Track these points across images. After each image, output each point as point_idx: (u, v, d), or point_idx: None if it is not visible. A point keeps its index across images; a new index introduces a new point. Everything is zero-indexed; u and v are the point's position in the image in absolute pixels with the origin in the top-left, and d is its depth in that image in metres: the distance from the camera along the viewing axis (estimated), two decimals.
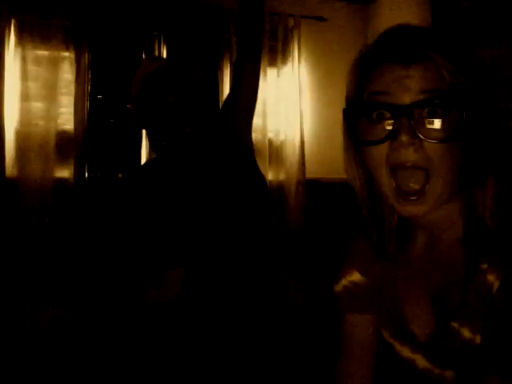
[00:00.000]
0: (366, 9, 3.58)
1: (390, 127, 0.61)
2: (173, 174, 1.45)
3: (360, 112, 0.65)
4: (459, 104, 0.60)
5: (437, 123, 0.60)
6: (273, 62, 3.31)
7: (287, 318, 1.41)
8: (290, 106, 3.30)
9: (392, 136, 0.60)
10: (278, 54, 3.33)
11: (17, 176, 2.78)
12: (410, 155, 0.60)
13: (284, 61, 3.35)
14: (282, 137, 3.30)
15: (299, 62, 3.37)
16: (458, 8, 2.52)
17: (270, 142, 3.28)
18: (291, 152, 3.29)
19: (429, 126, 0.60)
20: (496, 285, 0.58)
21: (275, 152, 3.28)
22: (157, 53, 3.15)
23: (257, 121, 3.20)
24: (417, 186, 0.61)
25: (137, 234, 1.49)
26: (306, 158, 3.32)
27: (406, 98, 0.60)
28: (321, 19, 3.42)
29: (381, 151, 0.62)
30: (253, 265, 1.40)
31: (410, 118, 0.59)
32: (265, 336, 1.36)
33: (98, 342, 1.85)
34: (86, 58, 2.95)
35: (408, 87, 0.61)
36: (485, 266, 0.60)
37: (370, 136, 0.63)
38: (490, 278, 0.59)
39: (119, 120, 3.22)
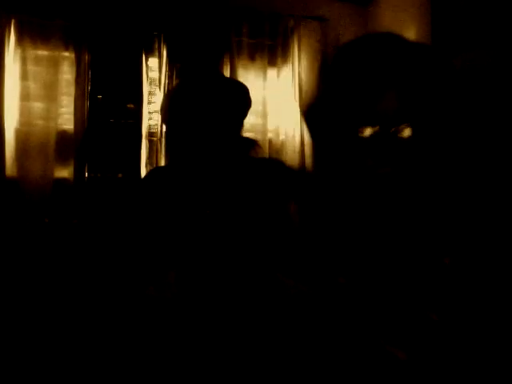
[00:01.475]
0: (366, 9, 3.58)
1: (367, 137, 0.67)
2: (184, 182, 1.45)
3: (339, 126, 0.71)
4: (425, 120, 0.66)
5: (408, 137, 0.66)
6: (273, 62, 3.32)
7: (285, 317, 1.41)
8: (290, 106, 3.30)
9: (370, 147, 0.66)
10: (278, 53, 3.33)
11: (17, 176, 2.79)
12: (386, 164, 0.66)
13: (284, 61, 3.35)
14: (282, 137, 3.31)
15: (299, 61, 3.37)
16: (458, 8, 2.52)
17: (270, 142, 3.28)
18: (291, 152, 3.29)
19: (401, 140, 0.66)
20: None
21: (275, 152, 3.28)
22: (157, 53, 3.15)
23: (257, 121, 3.21)
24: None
25: (140, 234, 1.49)
26: (306, 158, 3.32)
27: (381, 117, 0.66)
28: (321, 19, 3.43)
29: (361, 162, 0.68)
30: (249, 267, 1.40)
31: (385, 133, 0.65)
32: (263, 336, 1.36)
33: (97, 341, 1.85)
34: (85, 58, 2.95)
35: (381, 106, 0.66)
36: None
37: (351, 149, 0.69)
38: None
39: (119, 120, 3.22)
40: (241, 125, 1.52)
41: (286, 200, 1.49)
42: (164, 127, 3.10)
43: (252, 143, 1.55)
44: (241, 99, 1.49)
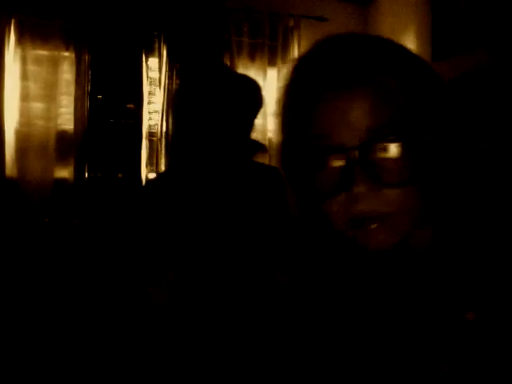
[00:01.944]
0: (366, 9, 3.58)
1: (340, 174, 0.51)
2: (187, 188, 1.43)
3: (302, 158, 0.54)
4: (417, 136, 0.50)
5: (394, 162, 0.50)
6: (273, 62, 3.32)
7: (286, 318, 1.41)
8: None
9: (345, 186, 0.50)
10: (278, 53, 3.33)
11: (17, 176, 2.79)
12: (369, 205, 0.50)
13: (284, 61, 3.35)
14: None
15: None
16: (458, 8, 2.52)
17: (270, 142, 3.27)
18: None
19: (386, 167, 0.50)
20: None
21: (275, 152, 3.27)
22: (157, 53, 3.15)
23: (257, 121, 3.20)
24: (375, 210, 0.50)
25: (141, 234, 1.49)
26: None
27: (354, 139, 0.49)
28: (321, 19, 3.42)
29: (335, 202, 0.52)
30: (250, 267, 1.40)
31: (363, 161, 0.49)
32: (262, 337, 1.35)
33: (96, 341, 1.85)
34: (86, 58, 2.95)
35: (353, 124, 0.50)
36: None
37: (318, 185, 0.53)
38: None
39: (119, 120, 3.22)
40: (251, 125, 1.46)
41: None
42: (165, 127, 3.11)
43: (260, 146, 1.51)
44: (252, 97, 1.43)
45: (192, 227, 1.39)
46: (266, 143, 3.22)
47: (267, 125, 3.23)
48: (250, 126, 1.44)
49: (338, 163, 0.51)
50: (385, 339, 0.57)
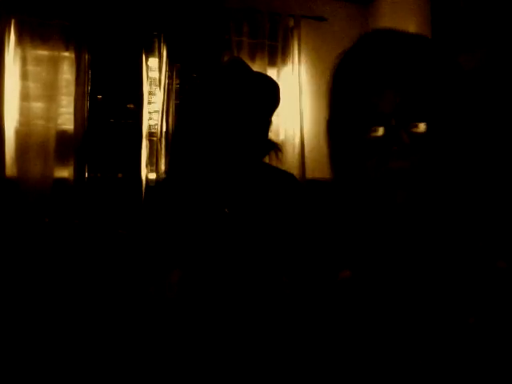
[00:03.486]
0: (366, 9, 3.59)
1: (378, 136, 0.64)
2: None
3: (346, 125, 0.68)
4: (434, 117, 0.63)
5: (419, 131, 0.63)
6: (273, 62, 3.32)
7: (289, 321, 1.41)
8: (290, 106, 3.30)
9: (382, 146, 0.63)
10: (278, 53, 3.33)
11: (17, 176, 2.79)
12: (400, 163, 0.63)
13: (284, 61, 3.35)
14: (281, 137, 3.30)
15: (299, 62, 3.37)
16: (458, 8, 2.52)
17: (283, 143, 3.28)
18: (291, 152, 3.29)
19: (413, 133, 0.63)
20: None
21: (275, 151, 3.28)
22: (157, 53, 3.15)
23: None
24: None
25: (148, 232, 1.48)
26: (306, 157, 3.31)
27: (389, 109, 0.63)
28: (321, 19, 3.43)
29: (375, 161, 0.65)
30: (259, 269, 1.39)
31: (398, 127, 0.63)
32: (265, 339, 1.35)
33: (96, 341, 1.85)
34: (85, 58, 2.96)
35: (389, 100, 0.64)
36: None
37: (363, 149, 0.66)
38: None
39: (119, 120, 3.22)
40: (268, 124, 1.46)
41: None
42: (165, 127, 3.10)
43: (273, 146, 1.51)
44: (271, 95, 1.43)
45: (202, 225, 1.38)
46: (280, 143, 3.22)
47: (280, 124, 3.23)
48: (267, 124, 1.45)
49: (379, 130, 0.64)
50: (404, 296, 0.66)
